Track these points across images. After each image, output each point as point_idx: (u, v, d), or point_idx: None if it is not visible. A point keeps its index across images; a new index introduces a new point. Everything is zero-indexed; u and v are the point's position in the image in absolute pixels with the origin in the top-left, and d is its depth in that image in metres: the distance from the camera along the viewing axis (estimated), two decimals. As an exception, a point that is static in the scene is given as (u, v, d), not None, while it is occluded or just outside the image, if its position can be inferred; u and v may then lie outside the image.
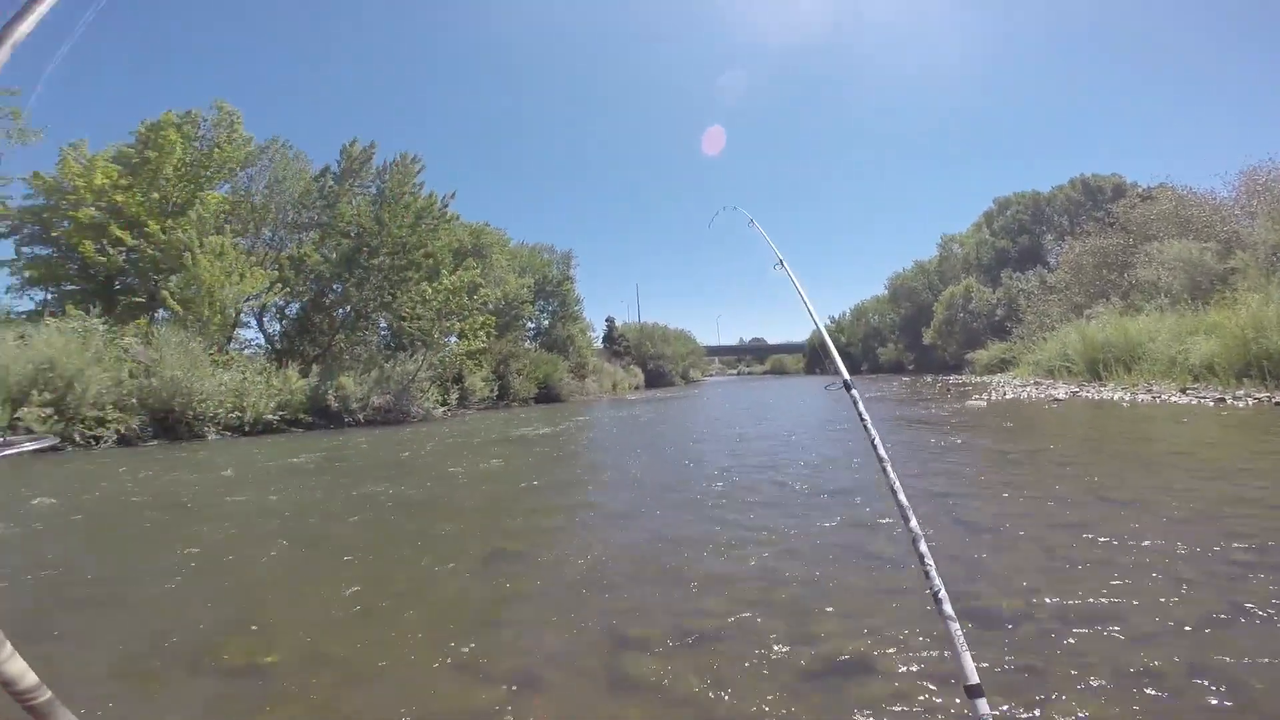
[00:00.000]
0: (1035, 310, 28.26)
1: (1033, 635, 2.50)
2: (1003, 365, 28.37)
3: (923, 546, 1.13)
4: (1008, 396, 16.34)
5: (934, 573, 1.07)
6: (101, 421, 12.42)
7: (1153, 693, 2.06)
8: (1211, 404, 10.90)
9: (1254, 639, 2.39)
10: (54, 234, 18.22)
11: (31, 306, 18.14)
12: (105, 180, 17.64)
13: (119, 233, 17.01)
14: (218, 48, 65.03)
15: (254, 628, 3.08)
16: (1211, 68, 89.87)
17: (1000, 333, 31.94)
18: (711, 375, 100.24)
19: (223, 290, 16.62)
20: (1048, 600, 2.82)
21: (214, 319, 16.57)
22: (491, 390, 24.38)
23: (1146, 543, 3.55)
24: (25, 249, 18.69)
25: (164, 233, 16.80)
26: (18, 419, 11.10)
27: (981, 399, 16.01)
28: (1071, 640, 2.45)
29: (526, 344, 30.49)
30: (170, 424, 13.65)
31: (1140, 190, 29.20)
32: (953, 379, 29.61)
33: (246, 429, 14.86)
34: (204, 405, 14.04)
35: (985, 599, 2.88)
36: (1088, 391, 15.38)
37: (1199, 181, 28.17)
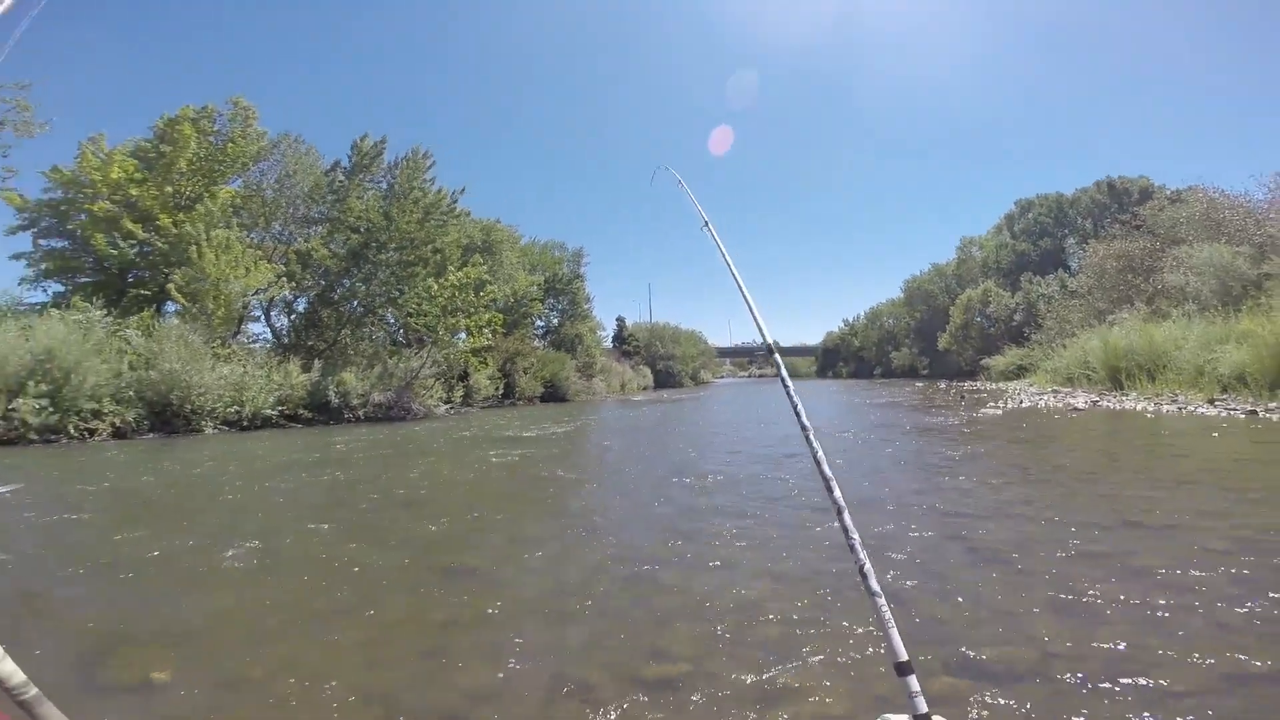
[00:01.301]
0: (1055, 315, 27.41)
1: (1045, 694, 2.13)
2: (1019, 372, 27.63)
3: (847, 519, 1.11)
4: (1024, 405, 15.78)
5: (859, 546, 1.07)
6: (97, 414, 12.32)
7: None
8: (1243, 416, 10.32)
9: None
10: (70, 227, 18.39)
11: (46, 298, 18.27)
12: (121, 174, 17.72)
13: (131, 226, 17.06)
14: (234, 43, 65.62)
15: (163, 639, 2.80)
16: (1244, 67, 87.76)
17: (1018, 338, 31.14)
18: (722, 377, 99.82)
19: (228, 284, 16.53)
20: (1066, 647, 2.44)
21: (218, 312, 16.47)
22: (497, 388, 24.19)
23: (1183, 578, 3.14)
24: (42, 241, 18.92)
25: (175, 226, 16.80)
26: (12, 409, 11.00)
27: (997, 407, 15.48)
28: (1091, 699, 2.09)
29: (535, 342, 30.30)
30: (167, 417, 13.55)
31: (1169, 192, 28.08)
32: (967, 385, 28.94)
33: (245, 424, 14.73)
34: (202, 399, 13.91)
35: (995, 645, 2.50)
36: (1109, 401, 14.78)
37: (1232, 184, 27.00)
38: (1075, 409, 13.94)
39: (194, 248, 16.20)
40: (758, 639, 2.73)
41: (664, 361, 48.59)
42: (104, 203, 17.31)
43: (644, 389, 42.00)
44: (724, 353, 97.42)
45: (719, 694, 2.30)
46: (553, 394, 27.48)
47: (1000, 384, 27.07)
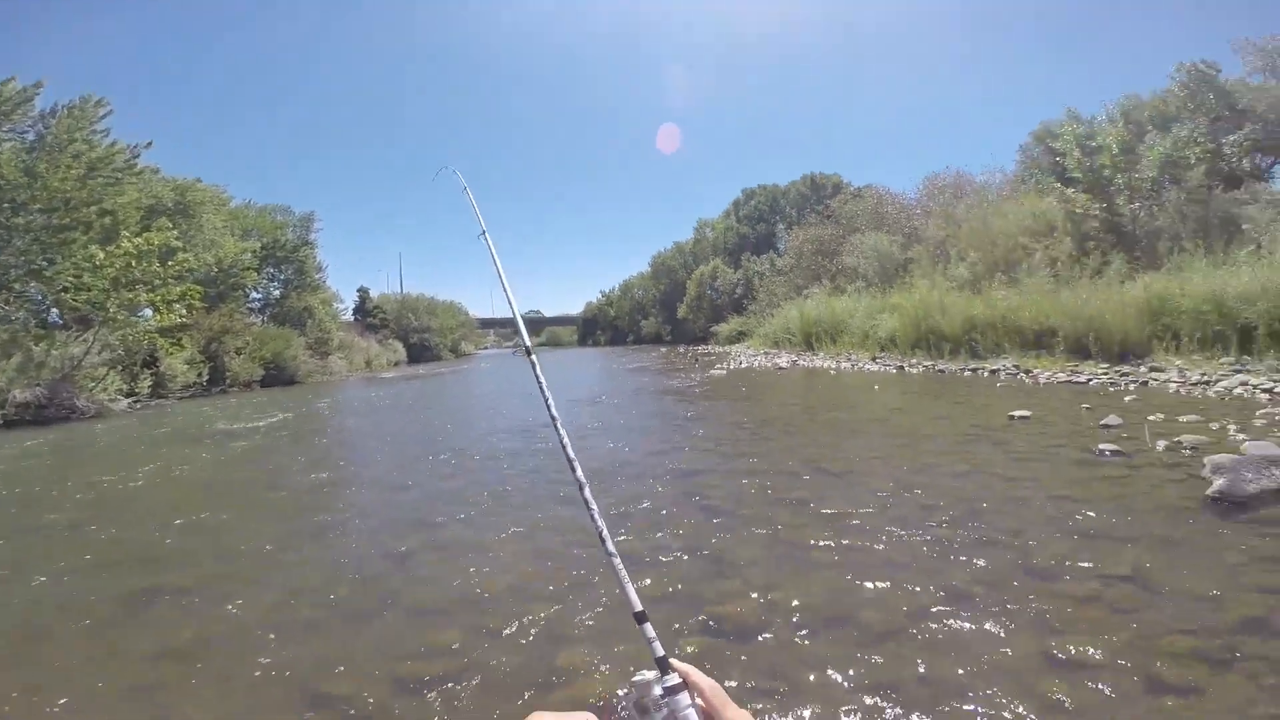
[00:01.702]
0: (766, 289, 32.72)
1: (774, 645, 2.56)
2: (740, 337, 32.34)
3: (587, 493, 1.31)
4: (743, 365, 18.52)
5: (597, 515, 1.26)
6: None
7: (872, 701, 2.13)
8: (894, 371, 13.58)
9: (961, 635, 2.52)
10: None
11: None
12: None
13: None
14: None
15: None
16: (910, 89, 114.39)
17: (739, 309, 36.35)
18: (486, 348, 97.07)
19: None
20: (779, 596, 2.95)
21: None
22: (200, 374, 20.11)
23: (859, 520, 3.95)
24: None
25: None
26: None
27: (723, 368, 17.89)
28: (808, 644, 2.53)
29: (251, 318, 25.88)
30: None
31: (853, 189, 35.12)
32: (701, 349, 32.86)
33: None
34: None
35: (730, 602, 2.92)
36: (804, 360, 18.15)
37: (896, 184, 35.05)
38: (780, 368, 16.80)
39: None
40: (523, 622, 2.81)
41: (418, 335, 45.44)
42: None
43: (395, 364, 38.92)
44: (487, 324, 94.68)
45: (488, 683, 2.33)
46: (277, 377, 23.86)
47: (726, 347, 31.32)
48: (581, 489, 1.31)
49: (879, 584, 3.02)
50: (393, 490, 5.55)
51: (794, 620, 2.73)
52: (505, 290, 1.87)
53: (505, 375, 24.99)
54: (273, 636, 2.79)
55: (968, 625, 2.59)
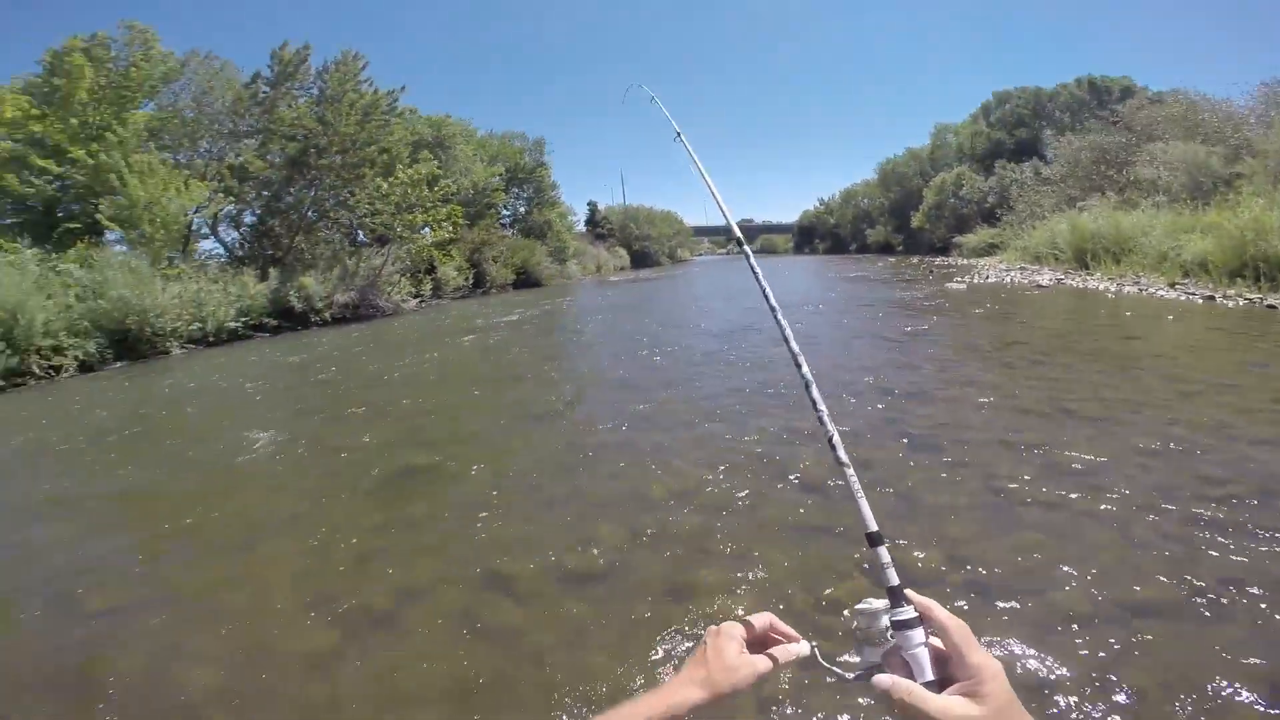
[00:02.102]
0: (1027, 200, 27.66)
1: (945, 600, 2.34)
2: (990, 250, 27.89)
3: (815, 392, 1.09)
4: (990, 280, 16.03)
5: (826, 418, 1.03)
6: (57, 350, 11.97)
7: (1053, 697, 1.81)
8: (1200, 301, 10.53)
9: (1184, 643, 1.99)
10: None
11: None
12: (16, 112, 16.43)
13: (42, 162, 16.19)
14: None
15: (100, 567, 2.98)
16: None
17: (990, 219, 31.27)
18: (701, 255, 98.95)
19: (162, 206, 15.69)
20: (975, 551, 2.64)
21: (157, 234, 15.74)
22: (466, 279, 24.05)
23: (1103, 483, 3.15)
24: None
25: (91, 157, 15.75)
26: (-35, 355, 10.61)
27: (963, 281, 15.71)
28: (976, 618, 2.17)
29: (503, 231, 29.59)
30: (130, 344, 13.24)
31: (1150, 94, 27.87)
32: (939, 261, 29.17)
33: (210, 339, 14.54)
34: (161, 320, 13.55)
35: (905, 550, 2.71)
36: (1073, 279, 15.02)
37: (1214, 90, 26.76)
38: (1039, 285, 14.18)
39: (113, 175, 15.29)
40: (675, 531, 2.97)
41: (640, 243, 47.94)
42: (5, 143, 16.12)
43: (620, 269, 41.79)
44: (701, 231, 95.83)
45: (630, 586, 2.53)
46: (526, 280, 27.42)
47: (971, 260, 27.29)
48: (808, 387, 1.08)
49: (1095, 563, 2.46)
50: (606, 387, 6.19)
51: (971, 585, 2.41)
52: (708, 185, 1.83)
53: (716, 278, 25.24)
54: (484, 515, 3.35)
55: (1192, 638, 2.00)
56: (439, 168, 20.67)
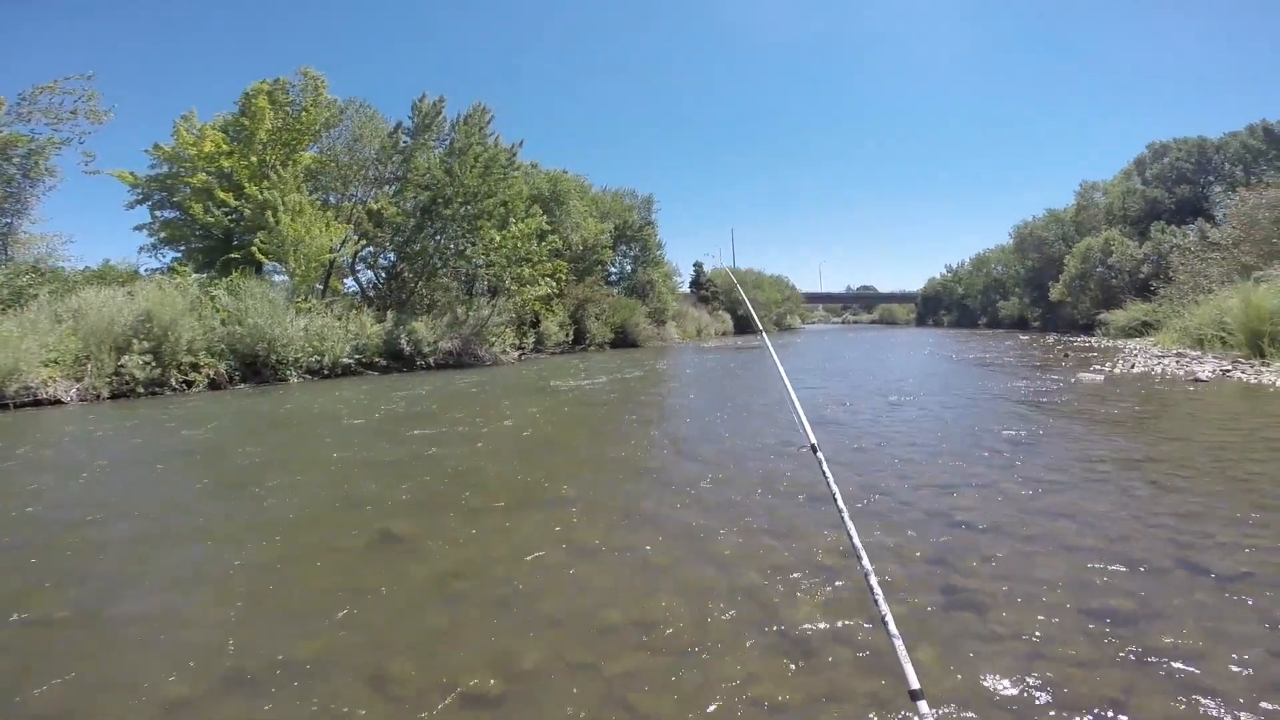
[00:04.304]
0: (1189, 269, 23.74)
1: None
2: (1142, 329, 24.45)
3: (872, 580, 1.26)
4: (1135, 369, 13.87)
5: (880, 598, 1.18)
6: (195, 366, 13.52)
7: None
8: None
9: None
10: (176, 199, 20.31)
11: (161, 264, 20.49)
12: (213, 147, 19.31)
13: (223, 195, 18.72)
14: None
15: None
16: None
17: (1144, 293, 27.48)
18: (813, 322, 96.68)
19: (305, 244, 17.54)
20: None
21: (298, 270, 17.55)
22: (567, 335, 24.69)
23: (1214, 703, 2.03)
24: (157, 213, 21.14)
25: (260, 193, 17.98)
26: (121, 365, 12.23)
27: (1101, 370, 13.76)
28: None
29: (608, 289, 30.33)
30: (257, 368, 14.72)
31: None
32: (1080, 341, 26.11)
33: (326, 372, 15.81)
34: (286, 350, 14.97)
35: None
36: (1243, 371, 12.63)
37: None
38: (1197, 379, 12.02)
39: (269, 213, 17.26)
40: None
41: (745, 307, 47.25)
42: (201, 175, 18.97)
43: (723, 335, 41.36)
44: (814, 298, 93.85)
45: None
46: (623, 340, 27.69)
47: (1118, 341, 24.14)
48: (867, 576, 1.26)
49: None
50: (676, 457, 6.14)
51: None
52: (735, 280, 1.66)
53: (821, 349, 24.10)
54: (529, 575, 3.30)
55: None
56: (548, 223, 21.67)
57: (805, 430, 1.29)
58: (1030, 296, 44.28)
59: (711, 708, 2.08)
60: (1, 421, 9.65)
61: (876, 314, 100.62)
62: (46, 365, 11.23)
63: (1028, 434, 6.81)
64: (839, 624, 2.63)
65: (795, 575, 3.17)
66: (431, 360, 18.06)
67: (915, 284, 77.12)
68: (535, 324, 23.41)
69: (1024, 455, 5.86)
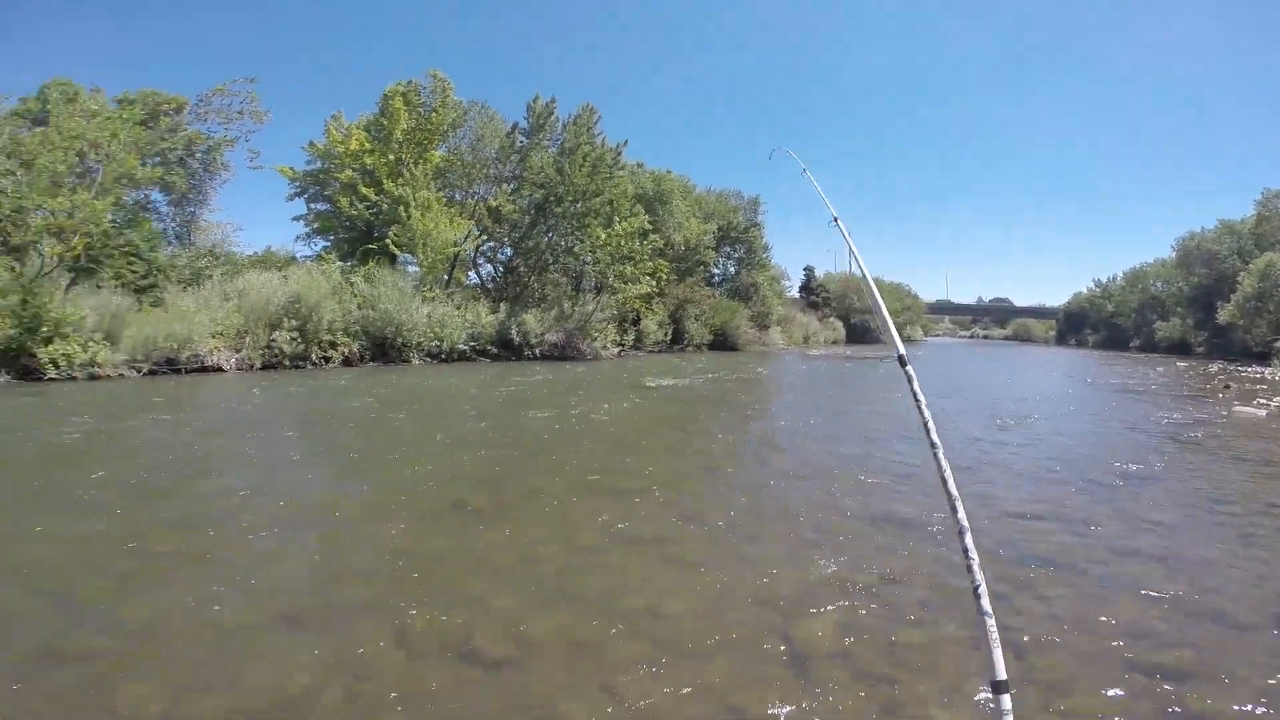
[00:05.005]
0: None
1: None
2: (1334, 360, 20.68)
3: (968, 540, 1.15)
4: (1310, 405, 11.88)
5: (976, 567, 1.09)
6: (333, 345, 15.21)
7: None
8: None
9: None
10: (327, 193, 22.72)
11: (313, 252, 22.98)
12: (358, 145, 21.37)
13: (365, 190, 20.63)
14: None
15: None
16: None
17: (1337, 317, 23.20)
18: (938, 335, 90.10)
19: (433, 238, 19.04)
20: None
21: (426, 261, 19.13)
22: (666, 334, 24.90)
23: None
24: (313, 205, 23.74)
25: (396, 190, 19.70)
26: (273, 340, 13.99)
27: (1265, 405, 11.89)
28: None
29: (710, 290, 30.15)
30: (385, 349, 16.28)
31: None
32: (1251, 371, 22.53)
33: (444, 355, 17.18)
34: (410, 334, 16.44)
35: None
36: None
37: None
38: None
39: (402, 208, 18.88)
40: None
41: (860, 315, 45.01)
42: (348, 171, 21.06)
43: (834, 343, 39.80)
44: (939, 309, 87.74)
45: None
46: (723, 342, 27.46)
47: (1300, 374, 20.61)
48: (962, 534, 1.16)
49: None
50: (747, 461, 6.31)
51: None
52: (864, 274, 1.61)
53: (941, 367, 22.58)
54: (569, 555, 3.57)
55: None
56: (650, 222, 21.99)
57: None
58: (1194, 318, 38.66)
59: (692, 708, 2.14)
60: (175, 383, 11.40)
61: (1010, 329, 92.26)
62: (214, 337, 13.10)
63: (1146, 468, 6.11)
64: (846, 648, 2.60)
65: (817, 591, 3.13)
66: (538, 351, 19.04)
67: (1057, 299, 69.79)
68: (636, 322, 23.87)
69: (1135, 491, 5.28)
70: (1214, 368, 25.00)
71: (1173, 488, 5.46)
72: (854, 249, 1.72)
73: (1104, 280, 56.54)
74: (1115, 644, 2.60)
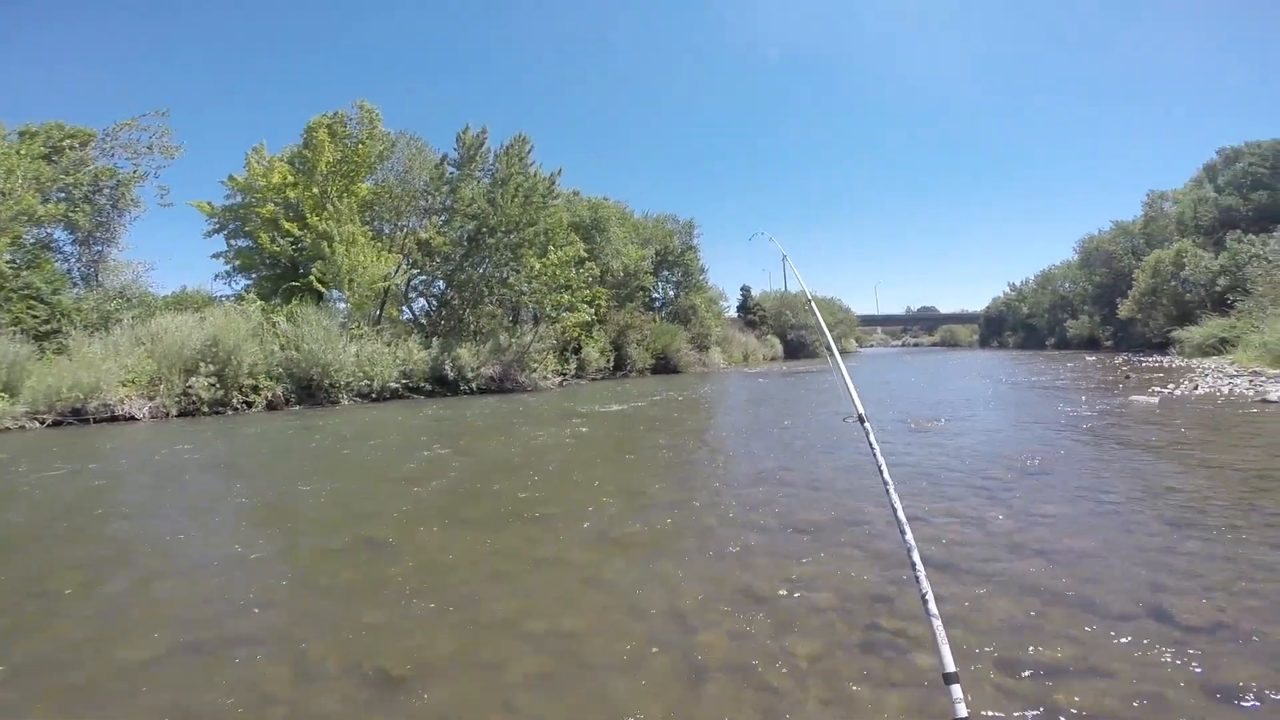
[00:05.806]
0: (1270, 279, 22.14)
1: None
2: (1220, 346, 22.75)
3: (915, 555, 1.31)
4: (1199, 391, 12.96)
5: (923, 577, 1.19)
6: (255, 389, 14.53)
7: None
8: None
9: None
10: (248, 228, 21.81)
11: (234, 291, 22.00)
12: (280, 179, 20.61)
13: (287, 225, 19.90)
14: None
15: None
16: None
17: (1222, 307, 25.64)
18: (871, 346, 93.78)
19: (360, 274, 18.54)
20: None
21: (353, 298, 18.58)
22: (608, 361, 24.90)
23: None
24: (232, 241, 22.73)
25: (320, 224, 19.10)
26: (189, 386, 13.29)
27: (1159, 392, 12.93)
28: None
29: (651, 315, 30.49)
30: (311, 390, 15.66)
31: None
32: (1150, 361, 24.50)
33: (375, 395, 16.62)
34: (338, 374, 15.89)
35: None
36: (1324, 393, 11.62)
37: None
38: (1268, 400, 11.17)
39: (325, 244, 18.34)
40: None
41: (795, 331, 46.54)
42: (270, 205, 20.27)
43: (773, 360, 40.79)
44: (871, 321, 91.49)
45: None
46: (664, 365, 27.73)
47: (1193, 360, 22.52)
48: (910, 551, 1.35)
49: None
50: (671, 483, 6.45)
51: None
52: (808, 296, 1.63)
53: (872, 376, 23.49)
54: (479, 581, 3.59)
55: None
56: (589, 250, 22.16)
57: (855, 403, 1.43)
58: (1100, 314, 41.91)
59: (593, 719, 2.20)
60: (80, 434, 10.68)
61: (938, 336, 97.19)
62: (124, 385, 12.35)
63: (1042, 463, 6.53)
64: (738, 663, 2.69)
65: (718, 608, 3.23)
66: (474, 385, 18.66)
67: (979, 304, 74.12)
68: (577, 350, 23.81)
69: (1027, 486, 5.64)
70: (1119, 360, 27.03)
71: (1063, 480, 5.86)
72: (804, 282, 2.03)
73: (1018, 284, 60.67)
74: (994, 642, 2.74)
